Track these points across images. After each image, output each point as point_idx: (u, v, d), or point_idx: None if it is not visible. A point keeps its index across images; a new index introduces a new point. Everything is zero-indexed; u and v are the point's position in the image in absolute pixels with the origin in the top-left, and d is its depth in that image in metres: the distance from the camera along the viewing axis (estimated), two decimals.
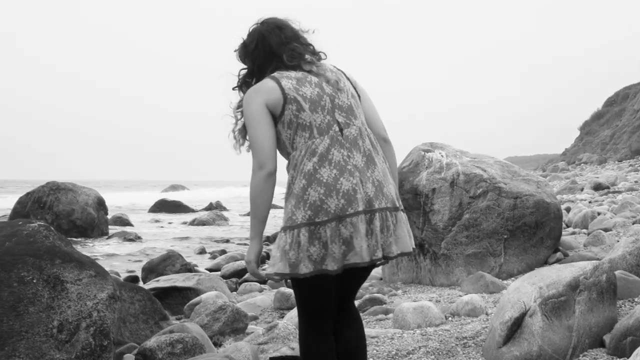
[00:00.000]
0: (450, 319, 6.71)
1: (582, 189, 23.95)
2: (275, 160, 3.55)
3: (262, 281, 12.09)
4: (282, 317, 7.87)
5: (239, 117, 3.80)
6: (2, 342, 4.42)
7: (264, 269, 3.66)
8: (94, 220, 22.50)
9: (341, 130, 3.59)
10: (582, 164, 47.30)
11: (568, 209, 15.88)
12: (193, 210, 39.37)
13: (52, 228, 5.39)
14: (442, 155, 9.47)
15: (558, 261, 8.74)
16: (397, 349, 5.63)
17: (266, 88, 3.56)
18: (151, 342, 5.50)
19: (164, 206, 40.51)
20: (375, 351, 5.61)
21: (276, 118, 3.56)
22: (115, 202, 37.81)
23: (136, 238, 21.74)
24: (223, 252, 17.55)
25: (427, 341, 5.79)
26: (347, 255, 3.43)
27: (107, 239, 22.01)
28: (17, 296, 4.60)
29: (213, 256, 17.10)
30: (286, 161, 3.65)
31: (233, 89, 3.86)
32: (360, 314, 7.40)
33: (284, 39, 3.70)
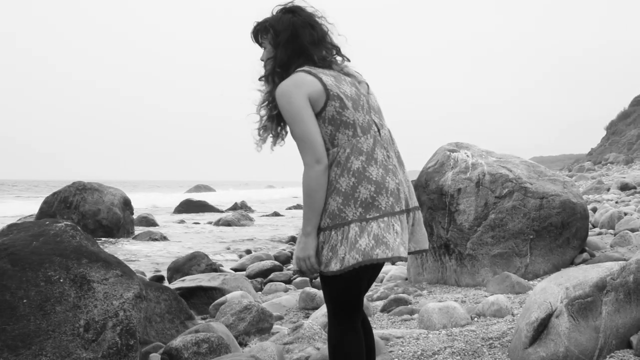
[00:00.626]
0: (475, 319, 6.69)
1: (608, 189, 23.81)
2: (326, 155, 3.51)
3: (287, 281, 12.11)
4: (307, 317, 7.88)
5: (262, 113, 3.73)
6: (30, 341, 4.45)
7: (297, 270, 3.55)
8: (119, 220, 22.61)
9: (378, 130, 3.61)
10: (609, 164, 47.01)
11: (594, 209, 15.79)
12: (218, 211, 39.46)
13: (79, 228, 5.43)
14: (467, 155, 9.44)
15: (584, 262, 8.68)
16: (422, 349, 5.62)
17: (307, 81, 3.49)
18: (177, 342, 5.52)
19: (189, 206, 40.61)
20: (400, 351, 5.60)
21: (315, 113, 3.50)
22: (139, 202, 37.95)
23: (162, 238, 21.82)
24: (248, 252, 17.62)
25: (453, 342, 5.77)
26: None
27: (133, 238, 22.10)
28: (44, 295, 4.63)
29: (238, 256, 17.15)
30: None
31: (260, 78, 3.76)
32: (386, 315, 7.42)
33: (316, 39, 3.64)
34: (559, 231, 8.77)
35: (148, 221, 28.28)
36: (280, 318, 8.09)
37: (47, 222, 5.33)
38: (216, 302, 8.66)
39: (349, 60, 3.78)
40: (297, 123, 3.45)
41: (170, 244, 20.93)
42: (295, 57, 3.63)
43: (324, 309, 7.06)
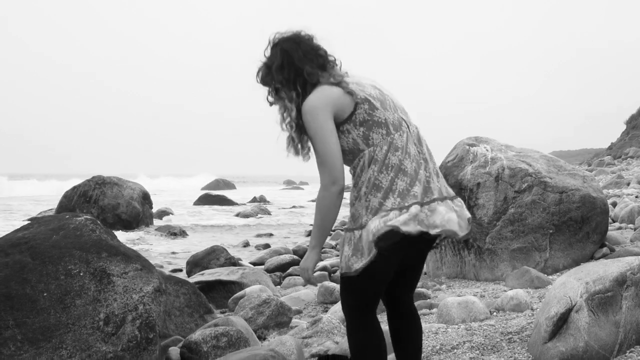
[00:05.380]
0: (495, 314, 6.67)
1: (628, 184, 23.66)
2: (344, 176, 3.56)
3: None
4: (326, 311, 7.88)
5: (292, 129, 3.69)
6: (50, 334, 4.47)
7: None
8: (138, 214, 22.70)
9: (408, 127, 3.67)
10: (629, 158, 46.68)
11: (614, 204, 15.70)
12: (237, 204, 39.49)
13: (99, 222, 5.45)
14: (487, 150, 9.41)
15: (604, 256, 8.63)
16: (441, 343, 5.61)
17: (333, 95, 3.54)
18: (196, 335, 5.54)
19: (208, 200, 40.70)
20: None
21: (343, 120, 3.55)
22: (158, 196, 38.01)
23: (180, 232, 21.85)
24: (267, 245, 17.63)
25: (472, 336, 5.76)
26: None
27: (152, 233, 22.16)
28: (65, 289, 4.66)
29: (257, 250, 17.17)
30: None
31: (276, 97, 3.75)
32: None
33: (306, 50, 3.69)
34: (579, 226, 8.73)
35: (167, 215, 28.35)
36: (299, 312, 8.10)
37: (67, 216, 5.35)
38: (235, 296, 8.68)
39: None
40: (320, 142, 3.49)
41: (189, 237, 20.99)
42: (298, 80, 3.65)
43: None
